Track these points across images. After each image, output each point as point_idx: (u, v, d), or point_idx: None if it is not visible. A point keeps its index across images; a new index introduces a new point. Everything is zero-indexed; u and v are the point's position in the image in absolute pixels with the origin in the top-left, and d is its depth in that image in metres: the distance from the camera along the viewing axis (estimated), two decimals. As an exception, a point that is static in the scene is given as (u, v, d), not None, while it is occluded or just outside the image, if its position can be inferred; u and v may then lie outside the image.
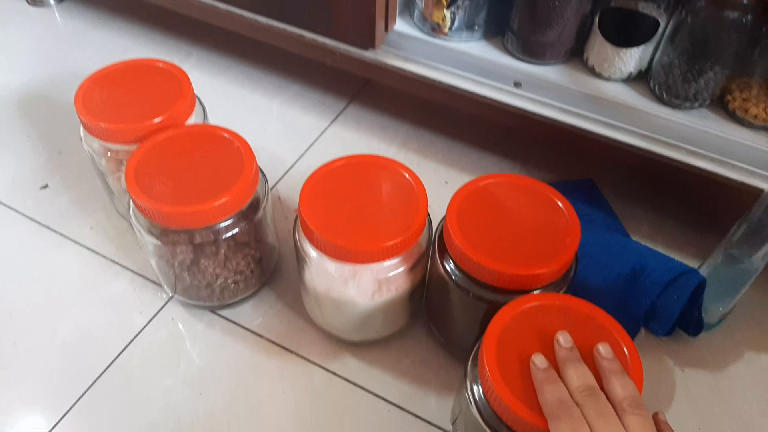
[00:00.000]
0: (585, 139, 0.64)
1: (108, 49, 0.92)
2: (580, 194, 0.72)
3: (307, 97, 0.86)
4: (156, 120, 0.58)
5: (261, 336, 0.60)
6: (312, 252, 0.52)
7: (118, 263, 0.66)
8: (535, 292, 0.49)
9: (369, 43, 0.70)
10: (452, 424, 0.53)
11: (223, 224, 0.54)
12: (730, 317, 0.61)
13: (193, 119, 0.62)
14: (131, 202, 0.54)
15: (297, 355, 0.59)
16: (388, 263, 0.51)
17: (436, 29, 0.72)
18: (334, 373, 0.58)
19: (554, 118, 0.65)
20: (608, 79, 0.67)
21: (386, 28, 0.71)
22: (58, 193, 0.72)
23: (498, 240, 0.49)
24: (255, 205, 0.56)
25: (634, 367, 0.42)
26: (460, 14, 0.70)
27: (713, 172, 0.60)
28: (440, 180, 0.75)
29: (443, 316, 0.57)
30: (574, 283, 0.52)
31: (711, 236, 0.67)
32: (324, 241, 0.49)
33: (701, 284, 0.55)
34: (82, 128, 0.60)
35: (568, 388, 0.39)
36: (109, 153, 0.60)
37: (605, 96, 0.66)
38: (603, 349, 0.41)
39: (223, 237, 0.54)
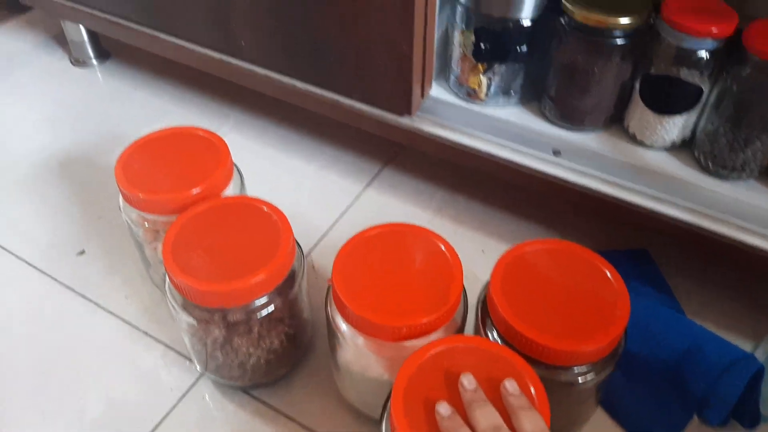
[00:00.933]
0: (627, 211, 0.62)
1: (148, 110, 0.94)
2: (632, 265, 0.69)
3: (342, 161, 0.85)
4: (194, 191, 0.58)
5: (292, 419, 0.58)
6: (343, 326, 0.51)
7: (150, 335, 0.65)
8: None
9: (405, 109, 0.69)
10: None
11: (258, 302, 0.53)
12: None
13: (231, 187, 0.62)
14: (167, 278, 0.54)
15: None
16: (421, 341, 0.50)
17: (472, 95, 0.72)
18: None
19: (595, 189, 0.63)
20: (650, 147, 0.66)
21: (422, 94, 0.71)
22: (94, 259, 0.73)
23: (544, 311, 0.47)
24: (290, 280, 0.55)
25: (540, 402, 0.42)
26: (496, 80, 0.69)
27: (764, 249, 0.57)
28: (477, 248, 0.74)
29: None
30: (623, 355, 0.50)
31: (763, 317, 0.63)
32: (357, 316, 0.48)
33: (759, 372, 0.51)
34: (121, 197, 0.61)
35: (477, 429, 0.39)
36: (146, 223, 0.61)
37: (647, 165, 0.64)
38: (509, 385, 0.41)
39: (257, 316, 0.53)
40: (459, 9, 0.67)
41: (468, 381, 0.42)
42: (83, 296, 0.69)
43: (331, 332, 0.53)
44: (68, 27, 0.99)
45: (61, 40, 1.07)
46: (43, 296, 0.69)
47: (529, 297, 0.48)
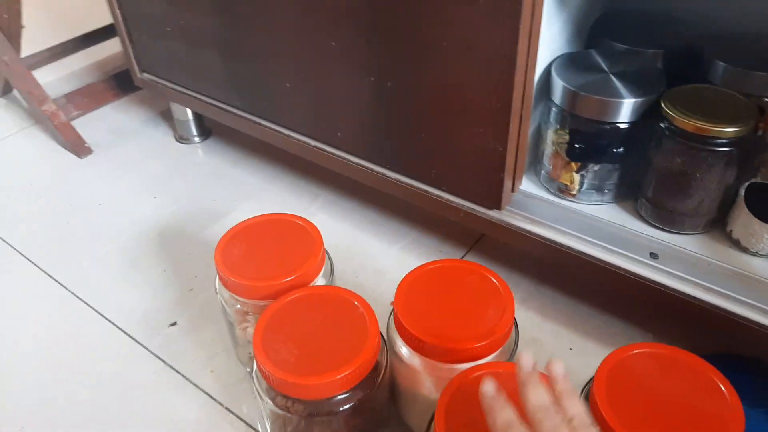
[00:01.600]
0: (729, 321, 0.58)
1: (244, 187, 0.99)
2: (743, 371, 0.65)
3: (425, 245, 0.86)
4: (287, 279, 0.60)
5: None
6: (402, 347, 0.56)
7: (233, 412, 0.66)
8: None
9: (495, 204, 0.70)
10: None
11: (340, 396, 0.53)
12: None
13: (322, 273, 0.64)
14: (255, 364, 0.55)
15: None
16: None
17: (563, 190, 0.71)
18: None
19: (696, 296, 0.60)
20: (756, 254, 0.62)
21: (512, 189, 0.71)
22: (185, 331, 0.75)
23: (649, 423, 0.45)
24: (374, 373, 0.55)
25: None
26: (589, 177, 0.69)
27: None
28: (563, 345, 0.71)
29: None
30: None
31: None
32: (415, 337, 0.53)
33: None
34: (217, 278, 0.63)
35: (525, 407, 0.41)
36: (238, 305, 0.62)
37: (753, 273, 0.61)
38: (557, 368, 0.44)
39: (339, 409, 0.53)
40: (553, 109, 0.68)
41: (526, 361, 0.44)
42: (172, 367, 0.71)
43: (391, 352, 0.58)
44: (175, 108, 1.07)
45: (167, 116, 1.15)
46: (134, 364, 0.72)
47: (634, 405, 0.47)
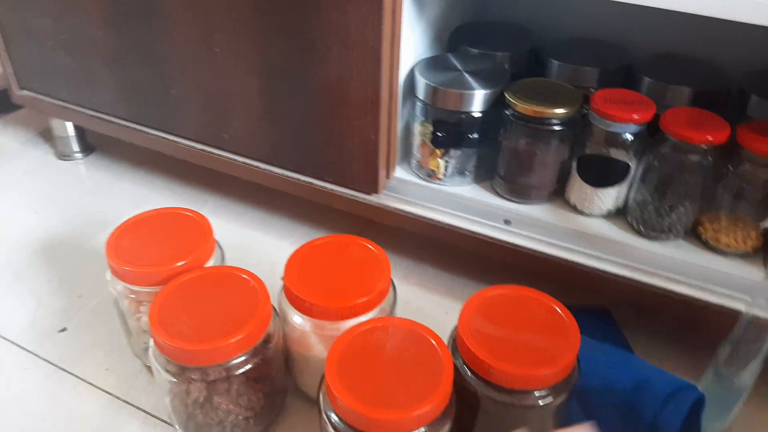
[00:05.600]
0: (572, 270, 0.69)
1: (130, 199, 1.00)
2: (593, 320, 0.75)
3: (314, 237, 0.91)
4: (178, 264, 0.63)
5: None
6: (294, 315, 0.61)
7: (131, 404, 0.67)
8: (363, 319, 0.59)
9: (373, 189, 0.77)
10: None
11: (236, 360, 0.57)
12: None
13: (213, 262, 0.67)
14: (151, 341, 0.58)
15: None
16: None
17: (431, 175, 0.80)
18: None
19: (543, 251, 0.70)
20: (590, 215, 0.74)
21: (387, 175, 0.79)
22: (75, 335, 0.75)
23: (505, 343, 0.54)
24: (267, 340, 0.60)
25: (446, 371, 0.51)
26: (452, 162, 0.78)
27: (694, 297, 0.64)
28: (441, 311, 0.79)
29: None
30: (577, 390, 0.55)
31: (703, 360, 0.69)
32: (303, 300, 0.59)
33: (700, 400, 0.57)
34: (108, 271, 0.65)
35: None
36: (131, 294, 0.65)
37: (588, 231, 0.72)
38: None
39: (236, 373, 0.57)
40: (418, 104, 0.77)
41: None
42: (65, 371, 0.71)
43: (285, 323, 0.62)
44: (56, 124, 1.06)
45: (46, 135, 1.14)
46: (25, 372, 0.71)
47: (493, 331, 0.55)
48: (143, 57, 0.84)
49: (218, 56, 0.77)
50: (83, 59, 0.90)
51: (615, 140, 0.69)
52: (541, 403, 0.53)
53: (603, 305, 0.78)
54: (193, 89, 0.82)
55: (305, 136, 0.78)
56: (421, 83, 0.75)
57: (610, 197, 0.72)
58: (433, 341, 0.54)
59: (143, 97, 0.88)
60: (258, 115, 0.79)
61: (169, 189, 1.02)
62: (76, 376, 0.71)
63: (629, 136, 0.69)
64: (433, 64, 0.79)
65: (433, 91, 0.74)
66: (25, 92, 1.00)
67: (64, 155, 1.10)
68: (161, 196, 1.01)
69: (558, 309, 0.57)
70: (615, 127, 0.69)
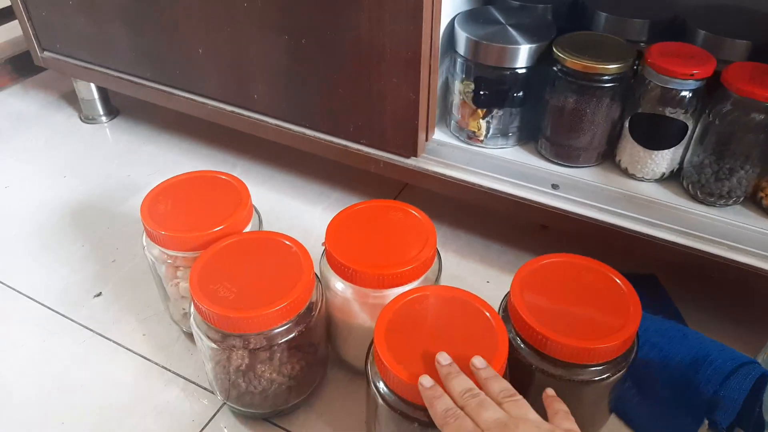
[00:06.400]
0: (624, 237, 0.66)
1: (157, 163, 0.98)
2: (640, 288, 0.73)
3: (347, 203, 0.89)
4: (216, 229, 0.61)
5: (315, 443, 0.60)
6: (336, 281, 0.59)
7: (170, 370, 0.66)
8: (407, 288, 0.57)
9: (411, 152, 0.74)
10: None
11: (279, 329, 0.55)
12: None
13: (250, 227, 0.65)
14: (192, 306, 0.56)
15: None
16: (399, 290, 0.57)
17: (472, 137, 0.77)
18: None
19: (592, 217, 0.67)
20: (642, 179, 0.70)
21: (426, 138, 0.75)
22: (111, 301, 0.74)
23: (561, 315, 0.51)
24: (310, 309, 0.58)
25: (501, 343, 0.49)
26: (494, 123, 0.75)
27: (755, 266, 0.61)
28: (482, 279, 0.77)
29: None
30: (635, 366, 0.53)
31: (761, 332, 0.67)
32: (346, 267, 0.56)
33: (763, 376, 0.54)
34: (144, 235, 0.64)
35: (452, 397, 0.45)
36: (168, 260, 0.63)
37: (640, 195, 0.68)
38: (477, 361, 0.47)
39: (279, 342, 0.55)
40: (459, 60, 0.73)
41: (443, 358, 0.47)
42: (102, 336, 0.70)
43: (327, 289, 0.60)
44: (79, 86, 1.04)
45: (70, 98, 1.11)
46: (63, 338, 0.70)
47: (548, 301, 0.52)
48: (165, 14, 0.80)
49: (244, 12, 0.73)
50: (104, 19, 0.86)
51: (671, 98, 0.65)
52: (597, 378, 0.51)
53: (650, 273, 0.75)
54: (219, 48, 0.79)
55: (337, 96, 0.74)
56: (462, 37, 0.71)
57: (664, 160, 0.68)
58: (485, 311, 0.52)
59: (167, 55, 0.85)
60: (286, 74, 0.76)
61: (197, 152, 1.00)
62: (114, 341, 0.70)
63: (687, 93, 0.65)
64: (473, 17, 0.75)
65: (474, 46, 0.70)
66: (48, 54, 0.98)
67: (88, 118, 1.07)
68: (189, 159, 0.98)
69: (616, 279, 0.54)
70: (672, 84, 0.65)
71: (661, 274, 0.75)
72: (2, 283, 0.77)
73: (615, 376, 0.52)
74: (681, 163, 0.69)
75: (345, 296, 0.59)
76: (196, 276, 0.55)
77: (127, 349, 0.69)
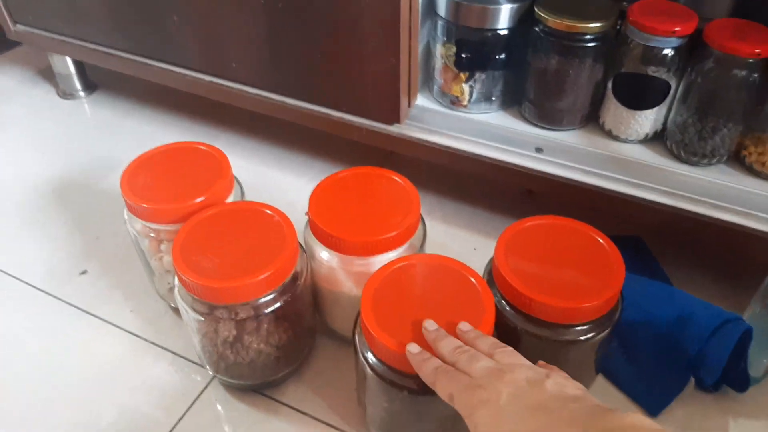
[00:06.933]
0: (609, 198, 0.66)
1: (138, 137, 0.96)
2: (625, 249, 0.73)
3: (332, 172, 0.88)
4: (198, 200, 0.60)
5: (305, 414, 0.60)
6: (321, 250, 0.59)
7: (158, 345, 0.66)
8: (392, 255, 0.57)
9: (394, 118, 0.73)
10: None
11: (264, 299, 0.55)
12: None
13: (232, 198, 0.65)
14: (176, 279, 0.56)
15: (342, 431, 0.59)
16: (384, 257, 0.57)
17: (455, 102, 0.76)
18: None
19: (578, 180, 0.67)
20: (625, 141, 0.70)
21: (409, 104, 0.74)
22: (97, 277, 0.74)
23: (546, 276, 0.51)
24: (295, 278, 0.58)
25: (488, 308, 0.49)
26: (477, 87, 0.74)
27: (739, 224, 0.61)
28: (469, 247, 0.77)
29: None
30: (620, 326, 0.53)
31: (745, 289, 0.67)
32: (330, 235, 0.56)
33: (747, 332, 0.55)
34: (126, 210, 0.63)
35: (442, 358, 0.45)
36: (151, 233, 0.62)
37: (624, 156, 0.68)
38: (463, 326, 0.47)
39: (265, 312, 0.55)
40: (440, 23, 0.72)
41: (430, 324, 0.47)
42: (89, 313, 0.70)
43: (312, 259, 0.60)
44: (55, 60, 1.01)
45: (47, 74, 1.09)
46: (49, 316, 0.70)
47: (532, 264, 0.52)
48: (143, -18, 0.78)
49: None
50: (79, -12, 0.84)
51: (654, 56, 0.65)
52: (583, 338, 0.51)
53: (635, 234, 0.76)
54: (195, 15, 0.77)
55: (316, 62, 0.73)
56: (443, -2, 0.70)
57: (648, 120, 0.68)
58: (471, 278, 0.52)
59: (142, 26, 0.83)
60: (264, 40, 0.74)
61: (178, 125, 0.98)
62: (101, 318, 0.69)
63: (669, 51, 0.64)
64: (453, -23, 0.73)
65: (455, 7, 0.69)
66: (20, 27, 0.95)
67: (66, 94, 1.05)
68: (170, 133, 0.97)
69: (600, 239, 0.54)
70: (654, 41, 0.64)
71: (647, 236, 0.75)
72: (-16, 262, 0.76)
73: (600, 336, 0.52)
74: (665, 123, 0.69)
75: (330, 265, 0.59)
76: (178, 248, 0.55)
77: (114, 325, 0.69)
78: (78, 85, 1.05)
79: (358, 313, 0.51)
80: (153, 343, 0.67)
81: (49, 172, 0.90)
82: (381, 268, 0.53)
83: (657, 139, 0.70)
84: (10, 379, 0.64)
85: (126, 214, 0.63)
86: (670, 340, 0.58)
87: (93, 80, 1.07)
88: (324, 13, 0.68)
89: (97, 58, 0.91)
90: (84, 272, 0.75)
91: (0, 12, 0.94)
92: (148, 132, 0.97)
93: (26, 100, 1.05)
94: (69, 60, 1.01)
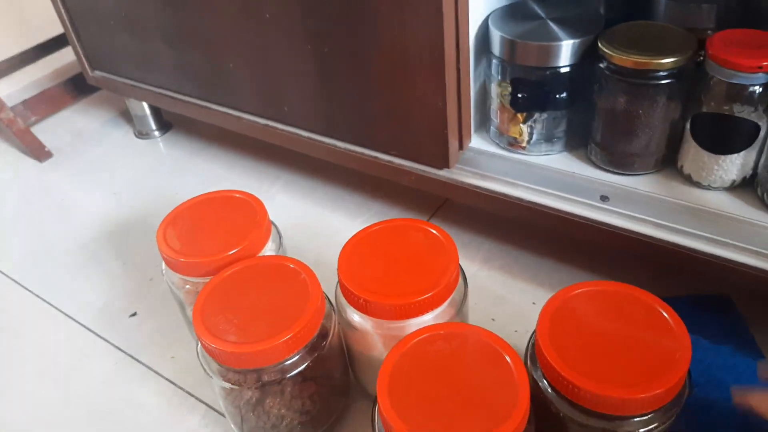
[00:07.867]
0: (687, 257, 0.57)
1: (205, 177, 0.97)
2: (710, 312, 0.63)
3: (388, 215, 0.85)
4: (231, 252, 0.59)
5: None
6: (351, 312, 0.55)
7: (194, 395, 0.65)
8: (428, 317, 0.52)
9: (443, 163, 0.68)
10: None
11: (289, 361, 0.52)
12: None
13: (270, 246, 0.63)
14: (197, 342, 0.54)
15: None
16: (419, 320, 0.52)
17: (513, 144, 0.70)
18: None
19: (648, 234, 0.59)
20: (708, 188, 0.61)
21: (460, 147, 0.70)
22: (144, 321, 0.74)
23: (596, 358, 0.44)
24: (321, 337, 0.54)
25: (521, 397, 0.43)
26: (537, 128, 0.68)
27: None
28: (527, 301, 0.70)
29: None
30: (692, 405, 0.45)
31: None
32: (359, 297, 0.52)
33: None
34: (163, 262, 0.62)
35: None
36: (187, 285, 0.61)
37: (706, 207, 0.59)
38: None
39: (291, 373, 0.52)
40: (494, 61, 0.67)
41: None
42: (133, 357, 0.70)
43: (343, 319, 0.56)
44: (131, 102, 1.06)
45: (126, 115, 1.14)
46: (95, 357, 0.71)
47: (580, 343, 0.45)
48: (197, 30, 0.79)
49: (268, 22, 0.70)
50: (144, 37, 0.87)
51: (739, 94, 0.56)
52: (642, 429, 0.43)
53: (721, 294, 0.65)
54: (248, 60, 0.77)
55: (363, 105, 0.70)
56: (496, 36, 0.65)
57: (734, 165, 0.59)
58: (506, 356, 0.45)
59: (202, 71, 0.84)
60: (313, 84, 0.72)
61: (241, 166, 0.99)
62: (144, 364, 0.69)
63: (757, 88, 0.55)
64: (510, 13, 0.68)
65: (509, 45, 0.64)
66: (98, 73, 1.00)
67: (142, 134, 1.09)
68: (235, 173, 0.97)
69: (662, 311, 0.46)
70: (738, 78, 0.55)
71: (737, 294, 0.65)
72: (44, 300, 0.79)
73: (664, 425, 0.44)
74: (755, 168, 0.59)
75: (362, 327, 0.55)
76: (199, 310, 0.53)
77: (155, 372, 0.68)
78: (153, 125, 1.09)
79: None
80: (188, 392, 0.65)
81: (117, 211, 0.93)
82: (402, 340, 0.48)
83: (746, 186, 0.60)
84: (51, 419, 0.65)
85: (163, 266, 0.63)
86: (750, 426, 0.48)
87: (167, 120, 1.10)
88: (370, 57, 0.65)
89: (165, 103, 0.94)
90: (134, 314, 0.75)
91: (80, 58, 0.99)
92: (214, 172, 0.99)
93: (107, 140, 1.10)
94: (144, 103, 1.05)
